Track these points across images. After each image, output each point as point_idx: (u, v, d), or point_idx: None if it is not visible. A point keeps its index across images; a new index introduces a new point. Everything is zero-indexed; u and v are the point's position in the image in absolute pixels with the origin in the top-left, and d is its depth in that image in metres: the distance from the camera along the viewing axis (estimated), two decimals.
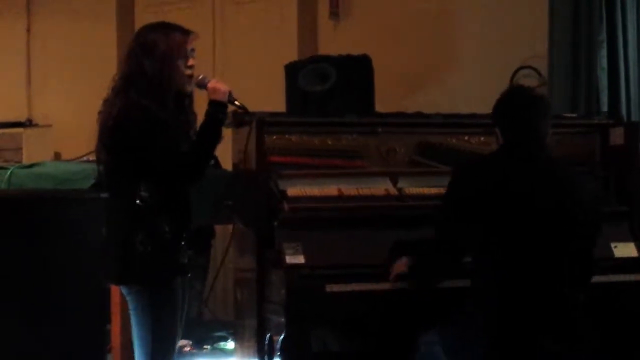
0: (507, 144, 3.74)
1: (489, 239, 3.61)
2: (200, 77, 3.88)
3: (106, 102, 3.80)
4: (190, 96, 3.90)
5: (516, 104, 3.75)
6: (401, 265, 3.98)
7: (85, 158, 5.45)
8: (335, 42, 6.68)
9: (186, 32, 3.84)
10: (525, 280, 3.57)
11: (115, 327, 5.36)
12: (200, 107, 3.91)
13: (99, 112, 3.81)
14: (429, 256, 3.83)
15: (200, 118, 3.88)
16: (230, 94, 3.86)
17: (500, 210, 3.59)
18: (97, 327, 4.71)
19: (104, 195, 3.95)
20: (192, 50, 3.84)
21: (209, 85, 3.85)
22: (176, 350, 3.89)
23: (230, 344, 5.47)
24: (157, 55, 3.75)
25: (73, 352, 4.56)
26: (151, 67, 3.73)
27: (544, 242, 3.59)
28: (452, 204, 3.72)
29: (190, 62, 3.83)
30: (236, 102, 3.92)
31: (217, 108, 3.82)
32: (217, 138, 3.83)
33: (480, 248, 3.64)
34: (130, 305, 3.81)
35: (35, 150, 6.96)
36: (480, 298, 3.62)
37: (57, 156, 7.04)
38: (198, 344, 5.57)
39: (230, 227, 4.86)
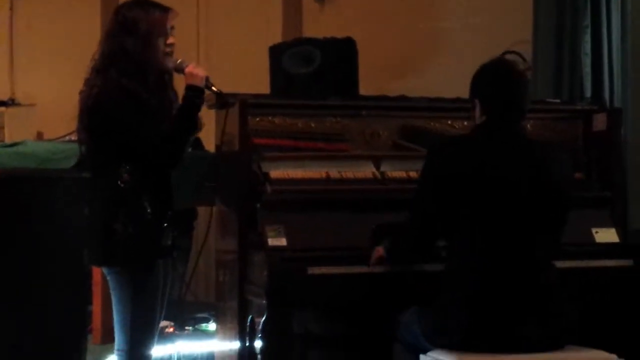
0: (487, 119, 3.70)
1: (464, 219, 3.61)
2: (179, 61, 3.86)
3: (87, 81, 3.79)
4: (169, 72, 3.88)
5: (503, 75, 3.72)
6: (379, 252, 3.98)
7: (67, 138, 5.43)
8: (320, 24, 6.67)
9: (165, 10, 3.83)
10: (500, 261, 3.57)
11: (96, 307, 5.36)
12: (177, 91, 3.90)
13: (80, 92, 3.80)
14: (403, 240, 3.82)
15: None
16: (207, 79, 3.85)
17: (477, 191, 3.59)
18: (78, 307, 4.69)
19: (86, 175, 3.93)
20: (172, 28, 3.84)
21: (187, 69, 3.83)
22: (157, 332, 3.89)
23: (211, 326, 5.47)
24: (138, 34, 3.74)
25: (54, 333, 4.55)
26: (133, 46, 3.72)
27: (519, 222, 3.59)
28: (428, 183, 3.72)
29: (170, 40, 3.82)
30: (213, 88, 3.90)
31: (194, 93, 3.81)
32: (193, 123, 3.82)
33: (456, 229, 3.64)
34: (111, 286, 3.81)
35: (17, 129, 6.94)
36: (455, 281, 3.62)
37: (39, 135, 7.01)
38: (180, 325, 5.57)
39: (212, 208, 4.85)
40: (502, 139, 3.67)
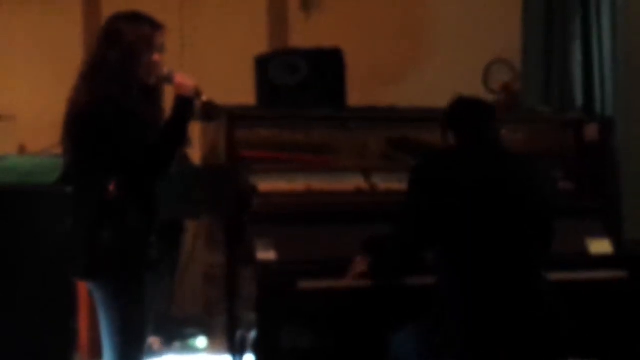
0: (460, 143, 3.81)
1: (452, 231, 3.61)
2: (167, 71, 3.82)
3: (74, 88, 3.75)
4: (156, 88, 3.84)
5: (463, 112, 3.87)
6: (360, 264, 3.95)
7: (51, 151, 5.38)
8: (306, 34, 6.64)
9: (156, 26, 3.78)
10: (491, 274, 3.57)
11: (82, 323, 5.30)
12: (165, 102, 3.85)
13: (67, 100, 3.76)
14: (387, 254, 3.80)
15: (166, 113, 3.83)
16: (197, 89, 3.81)
17: (465, 203, 3.60)
18: (64, 323, 4.65)
19: (69, 189, 3.88)
20: (162, 45, 3.79)
21: (176, 80, 3.79)
22: (146, 347, 3.84)
23: (200, 341, 5.45)
24: (121, 46, 3.69)
25: (40, 349, 4.51)
26: (114, 57, 3.68)
27: (507, 234, 3.60)
28: (416, 197, 3.72)
29: (156, 57, 3.77)
30: (203, 98, 3.86)
31: (183, 104, 3.76)
32: (182, 134, 3.78)
33: (444, 242, 3.63)
34: (98, 301, 3.75)
35: None
36: (447, 296, 3.61)
37: (21, 149, 6.94)
38: (167, 341, 5.53)
39: (199, 222, 4.82)
40: (479, 154, 3.74)
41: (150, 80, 3.78)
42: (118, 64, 3.67)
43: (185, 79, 3.79)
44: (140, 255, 3.71)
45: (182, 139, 3.78)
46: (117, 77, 3.67)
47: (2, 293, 4.53)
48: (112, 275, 3.68)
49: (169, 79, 3.81)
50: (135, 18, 3.77)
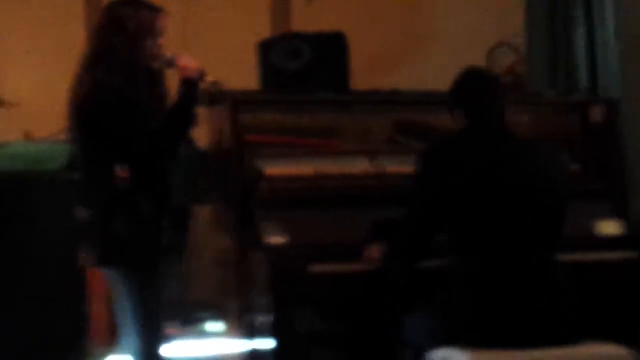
0: (468, 124, 3.75)
1: (465, 217, 3.60)
2: (169, 55, 3.81)
3: (75, 78, 3.74)
4: (159, 71, 3.84)
5: (472, 86, 3.80)
6: (373, 253, 3.94)
7: (56, 138, 5.37)
8: (309, 20, 6.62)
9: (156, 10, 3.79)
10: (505, 257, 3.56)
11: (98, 309, 5.30)
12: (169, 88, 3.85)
13: (69, 89, 3.76)
14: (398, 243, 3.78)
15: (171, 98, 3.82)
16: (201, 70, 3.81)
17: (476, 188, 3.59)
18: (75, 308, 4.65)
19: (76, 176, 3.89)
20: (162, 29, 3.80)
21: (179, 63, 3.78)
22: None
23: (212, 325, 5.45)
24: (126, 33, 3.70)
25: (51, 336, 4.51)
26: (119, 45, 3.69)
27: (513, 218, 3.59)
28: (426, 183, 3.71)
29: (160, 40, 3.77)
30: (208, 78, 3.85)
31: (189, 86, 3.76)
32: (191, 117, 3.78)
33: (458, 226, 3.63)
34: (114, 288, 3.77)
35: (3, 129, 6.84)
36: (461, 279, 3.61)
37: (26, 135, 6.93)
38: (180, 325, 5.52)
39: (207, 207, 4.81)
40: (487, 136, 3.71)
41: (155, 64, 3.78)
42: (123, 50, 3.68)
43: (188, 61, 3.79)
44: (154, 241, 3.73)
45: (189, 121, 3.79)
46: (122, 64, 3.68)
47: (10, 280, 4.53)
48: (126, 263, 3.69)
49: (171, 62, 3.81)
50: (135, 3, 3.77)
